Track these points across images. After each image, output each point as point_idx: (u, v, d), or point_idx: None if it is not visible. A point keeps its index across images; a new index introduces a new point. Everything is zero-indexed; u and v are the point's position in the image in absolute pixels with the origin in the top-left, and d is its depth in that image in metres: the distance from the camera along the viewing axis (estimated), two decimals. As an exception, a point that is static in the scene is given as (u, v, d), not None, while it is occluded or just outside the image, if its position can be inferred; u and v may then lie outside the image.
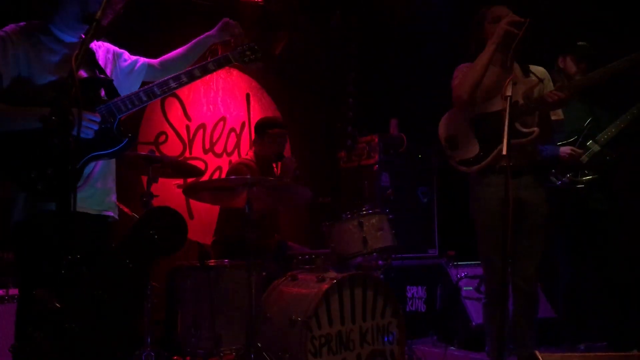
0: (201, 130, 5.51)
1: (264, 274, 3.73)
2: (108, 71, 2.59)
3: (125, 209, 3.65)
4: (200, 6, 5.43)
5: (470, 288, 4.74)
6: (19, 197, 2.33)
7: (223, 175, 5.36)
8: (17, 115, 2.25)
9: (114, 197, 2.62)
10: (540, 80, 3.23)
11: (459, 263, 5.00)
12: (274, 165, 4.65)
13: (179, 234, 2.60)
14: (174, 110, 5.36)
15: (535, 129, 3.22)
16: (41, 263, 2.22)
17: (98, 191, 2.49)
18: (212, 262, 3.61)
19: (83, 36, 2.48)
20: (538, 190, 3.32)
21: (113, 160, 2.61)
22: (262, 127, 4.52)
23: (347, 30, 5.54)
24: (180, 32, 5.28)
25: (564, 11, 4.53)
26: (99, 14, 1.92)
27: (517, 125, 3.18)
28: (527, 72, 3.29)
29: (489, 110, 3.30)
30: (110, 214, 2.56)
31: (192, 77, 2.65)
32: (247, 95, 5.77)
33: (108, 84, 2.46)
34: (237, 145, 5.71)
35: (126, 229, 2.65)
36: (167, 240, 2.50)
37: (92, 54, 2.52)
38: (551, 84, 3.37)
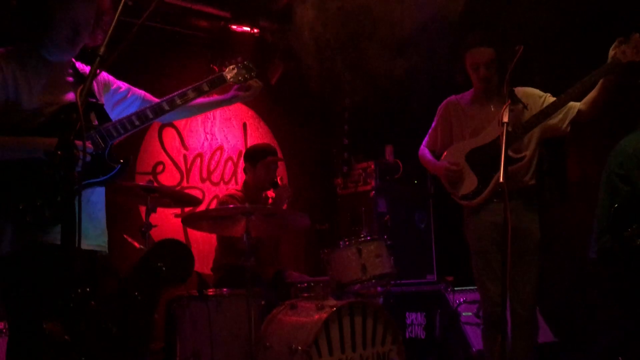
0: (198, 160, 5.54)
1: (263, 302, 3.71)
2: (97, 96, 2.47)
3: (133, 242, 3.63)
4: (196, 37, 5.52)
5: (470, 313, 4.72)
6: (6, 229, 2.20)
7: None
8: (10, 146, 2.17)
9: (104, 230, 2.48)
10: (525, 106, 3.28)
11: (457, 288, 4.99)
12: (268, 193, 4.63)
13: (186, 265, 2.59)
14: (171, 140, 5.40)
15: (526, 153, 3.29)
16: (37, 296, 2.15)
17: (87, 224, 2.33)
18: (211, 292, 3.60)
19: (74, 60, 2.44)
20: (528, 215, 3.35)
21: (103, 191, 2.47)
22: (253, 156, 4.52)
23: (342, 56, 5.62)
24: (176, 63, 5.41)
25: (553, 35, 4.62)
26: (102, 49, 1.91)
27: (510, 152, 3.23)
28: (514, 98, 3.35)
29: (480, 143, 3.40)
30: (100, 248, 2.43)
31: (186, 99, 2.56)
32: (244, 124, 5.84)
33: (99, 108, 2.37)
34: (234, 174, 5.74)
35: (134, 261, 2.62)
36: (175, 272, 2.48)
37: (82, 77, 2.43)
38: (542, 99, 3.39)
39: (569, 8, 4.20)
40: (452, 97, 3.64)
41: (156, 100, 2.60)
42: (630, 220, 3.01)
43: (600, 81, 3.14)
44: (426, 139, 3.75)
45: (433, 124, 3.71)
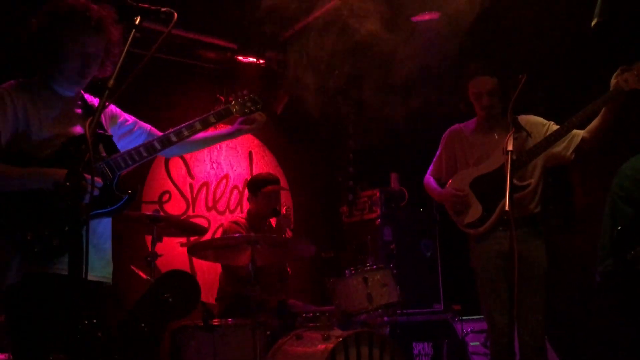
0: (204, 188, 5.56)
1: (268, 332, 3.68)
2: (105, 128, 2.48)
3: (140, 273, 3.61)
4: (203, 68, 5.59)
5: (478, 343, 4.67)
6: (13, 260, 2.19)
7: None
8: (20, 176, 2.18)
9: (110, 261, 2.46)
10: (528, 134, 3.30)
11: (464, 318, 4.94)
12: (271, 221, 4.63)
13: (192, 296, 2.57)
14: (178, 169, 5.43)
15: (531, 181, 3.29)
16: (43, 327, 2.14)
17: (93, 255, 2.30)
18: (216, 322, 3.58)
19: (82, 92, 2.47)
20: (534, 243, 3.34)
21: (109, 221, 2.47)
22: (255, 186, 4.54)
23: (347, 86, 5.67)
24: (183, 93, 5.47)
25: (556, 63, 4.66)
26: (111, 82, 1.93)
27: (514, 180, 3.23)
28: (517, 126, 3.38)
29: (484, 171, 3.42)
30: (105, 280, 2.42)
31: (193, 131, 2.58)
32: (250, 153, 5.87)
33: (107, 139, 2.39)
34: (240, 203, 5.75)
35: (140, 292, 2.61)
36: (181, 303, 2.46)
37: (91, 108, 2.46)
38: (545, 127, 3.41)
39: (572, 36, 4.25)
40: (456, 126, 3.66)
41: (161, 134, 2.61)
42: (633, 243, 2.95)
43: (603, 109, 3.15)
44: (431, 167, 3.76)
45: (437, 153, 3.74)
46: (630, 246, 2.92)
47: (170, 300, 2.41)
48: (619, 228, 3.00)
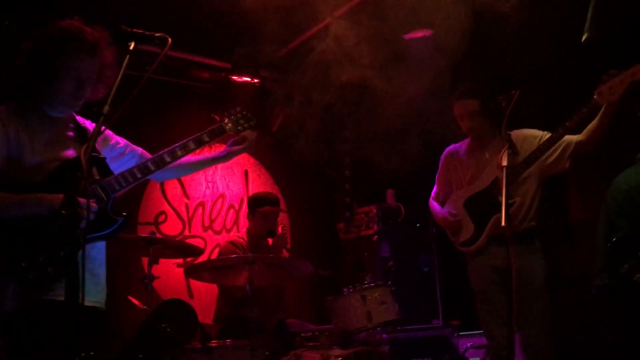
0: (200, 208, 5.54)
1: (267, 353, 3.65)
2: (99, 150, 2.46)
3: (137, 302, 3.57)
4: (197, 88, 5.60)
5: (478, 359, 4.64)
6: (8, 287, 2.15)
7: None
8: (15, 203, 2.15)
9: (104, 287, 2.42)
10: (514, 152, 3.29)
11: (464, 333, 4.91)
12: (269, 240, 4.62)
13: (190, 325, 2.54)
14: (173, 189, 5.42)
15: (517, 199, 3.30)
16: (41, 356, 2.11)
17: (88, 280, 2.23)
18: (214, 343, 3.54)
19: (74, 114, 2.44)
20: (529, 258, 3.35)
21: (103, 246, 2.43)
22: (253, 204, 4.54)
23: (342, 104, 5.70)
24: (177, 113, 5.47)
25: (551, 78, 4.69)
26: (106, 108, 1.92)
27: (499, 198, 3.24)
28: (511, 142, 3.40)
29: (475, 191, 3.49)
30: (99, 305, 2.38)
31: (186, 150, 2.55)
32: (246, 172, 5.87)
33: (101, 162, 2.36)
34: (236, 222, 5.73)
35: (137, 319, 2.57)
36: (179, 332, 2.43)
37: (84, 131, 2.44)
38: (538, 139, 3.40)
39: (566, 49, 4.28)
40: (451, 147, 3.74)
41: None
42: (626, 256, 2.96)
43: (602, 109, 3.14)
44: (434, 189, 3.83)
45: (437, 175, 3.81)
46: (624, 259, 2.93)
47: (168, 330, 2.37)
48: (614, 240, 3.01)
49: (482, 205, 3.38)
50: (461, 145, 3.67)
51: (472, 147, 3.60)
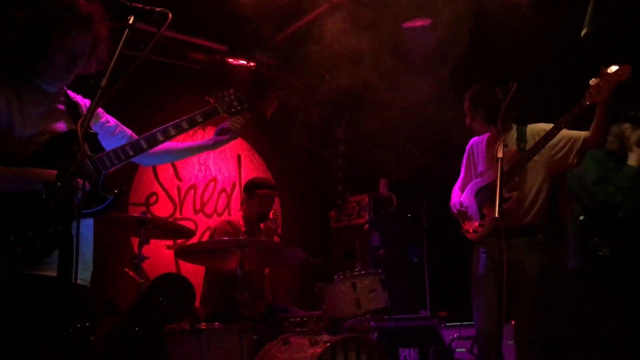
0: (192, 191, 5.52)
1: (255, 337, 3.65)
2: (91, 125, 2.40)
3: (134, 275, 3.54)
4: (192, 69, 5.55)
5: (464, 350, 4.67)
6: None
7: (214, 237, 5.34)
8: (8, 177, 2.12)
9: (90, 265, 2.38)
10: (519, 145, 3.41)
11: (451, 324, 4.95)
12: (261, 225, 4.62)
13: (187, 300, 2.52)
14: (165, 171, 5.39)
15: (515, 193, 3.32)
16: (32, 332, 2.08)
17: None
18: (203, 326, 3.54)
19: (65, 88, 2.41)
20: (527, 253, 3.36)
21: (91, 223, 2.38)
22: (251, 188, 4.54)
23: (338, 92, 5.68)
24: (171, 95, 5.42)
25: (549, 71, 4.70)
26: (104, 82, 1.89)
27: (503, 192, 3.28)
28: (521, 136, 3.48)
29: (484, 183, 3.56)
30: (84, 282, 2.33)
31: (180, 130, 2.52)
32: (239, 156, 5.84)
33: (92, 137, 2.32)
34: (228, 206, 5.71)
35: (130, 295, 2.54)
36: (177, 307, 2.41)
37: (76, 106, 2.41)
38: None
39: (566, 44, 4.28)
40: (475, 138, 3.78)
41: None
42: (592, 233, 3.51)
43: (597, 109, 3.18)
44: (459, 178, 3.87)
45: (461, 165, 3.86)
46: (591, 235, 3.50)
47: (165, 303, 2.35)
48: (581, 219, 3.55)
49: (489, 197, 3.44)
50: (484, 137, 3.71)
51: (492, 139, 3.63)
